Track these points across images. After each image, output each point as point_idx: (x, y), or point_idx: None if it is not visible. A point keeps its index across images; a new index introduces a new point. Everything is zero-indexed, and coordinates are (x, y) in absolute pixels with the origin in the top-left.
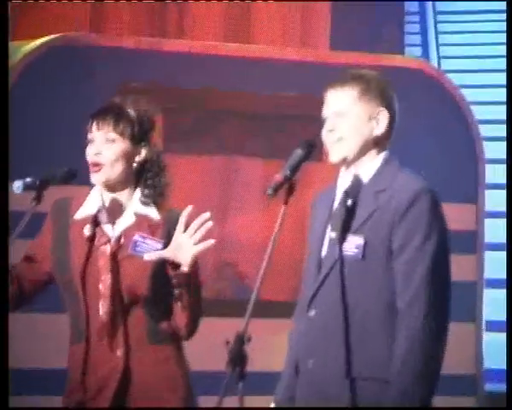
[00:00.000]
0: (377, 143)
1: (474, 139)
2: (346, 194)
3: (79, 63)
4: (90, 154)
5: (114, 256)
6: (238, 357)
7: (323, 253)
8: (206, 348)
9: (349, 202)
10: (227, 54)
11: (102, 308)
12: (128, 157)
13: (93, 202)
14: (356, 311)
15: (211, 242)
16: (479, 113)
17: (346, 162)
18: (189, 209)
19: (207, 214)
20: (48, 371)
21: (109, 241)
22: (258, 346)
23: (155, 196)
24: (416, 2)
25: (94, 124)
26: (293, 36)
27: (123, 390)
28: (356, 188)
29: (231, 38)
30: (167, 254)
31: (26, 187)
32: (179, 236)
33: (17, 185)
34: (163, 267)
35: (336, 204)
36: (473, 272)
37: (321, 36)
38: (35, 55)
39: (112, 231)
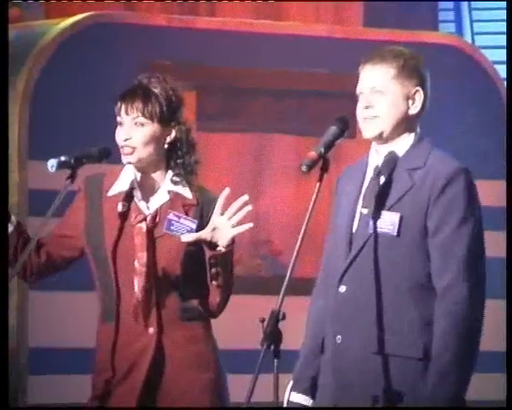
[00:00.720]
0: (411, 121)
1: (507, 115)
2: (379, 170)
3: (112, 41)
4: (120, 138)
5: (150, 234)
6: (273, 334)
7: (354, 229)
8: (241, 325)
9: (382, 178)
10: (259, 31)
11: (138, 286)
12: (158, 139)
13: (126, 178)
14: (388, 288)
15: (249, 225)
16: None
17: (379, 139)
18: (226, 192)
19: (246, 197)
20: (68, 351)
21: (145, 219)
22: (293, 323)
23: (186, 175)
24: None
25: (122, 108)
26: (327, 12)
27: (155, 368)
28: (390, 164)
29: (263, 15)
30: (205, 235)
31: (61, 166)
32: (217, 218)
33: (51, 164)
34: (196, 247)
35: (367, 180)
36: (503, 249)
37: (354, 12)
38: (67, 33)
39: (147, 208)
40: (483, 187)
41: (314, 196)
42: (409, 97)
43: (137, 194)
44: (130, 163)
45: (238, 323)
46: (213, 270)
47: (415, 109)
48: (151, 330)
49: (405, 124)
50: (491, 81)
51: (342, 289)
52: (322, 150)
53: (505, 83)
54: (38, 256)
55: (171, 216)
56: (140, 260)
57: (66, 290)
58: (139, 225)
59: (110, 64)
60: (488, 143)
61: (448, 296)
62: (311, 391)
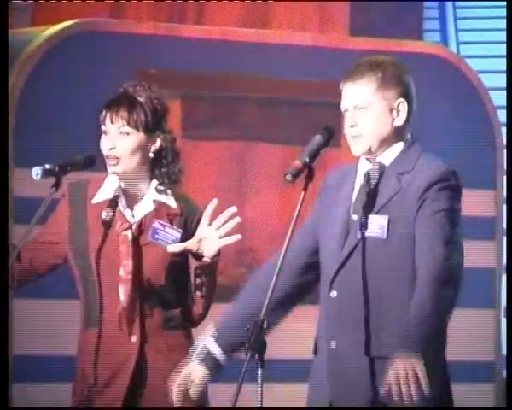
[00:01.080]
0: (398, 132)
1: (493, 125)
2: (368, 176)
3: (98, 49)
4: (105, 147)
5: (136, 242)
6: (257, 344)
7: (345, 236)
8: None
9: (372, 184)
10: (246, 39)
11: (124, 293)
12: (143, 148)
13: (111, 186)
14: (379, 290)
15: (237, 237)
16: (498, 98)
17: (369, 154)
18: (214, 203)
19: (234, 209)
20: (52, 358)
21: (131, 227)
22: (278, 333)
23: (170, 184)
24: None
25: (107, 116)
26: (312, 22)
27: (138, 376)
28: (378, 170)
29: (249, 24)
30: (191, 245)
31: (45, 173)
32: (204, 228)
33: (36, 172)
34: (181, 257)
35: (357, 187)
36: (492, 259)
37: (340, 21)
38: (54, 40)
39: (132, 216)
40: (470, 197)
41: (299, 204)
42: (393, 109)
43: (122, 202)
44: (115, 173)
45: None
46: (198, 280)
47: (400, 121)
48: (134, 338)
49: (393, 135)
50: (476, 91)
51: (333, 294)
52: (307, 159)
53: (490, 92)
54: (20, 263)
55: (155, 225)
56: (125, 268)
57: (51, 298)
58: (124, 232)
59: (96, 72)
60: (474, 153)
61: (424, 276)
62: (229, 353)
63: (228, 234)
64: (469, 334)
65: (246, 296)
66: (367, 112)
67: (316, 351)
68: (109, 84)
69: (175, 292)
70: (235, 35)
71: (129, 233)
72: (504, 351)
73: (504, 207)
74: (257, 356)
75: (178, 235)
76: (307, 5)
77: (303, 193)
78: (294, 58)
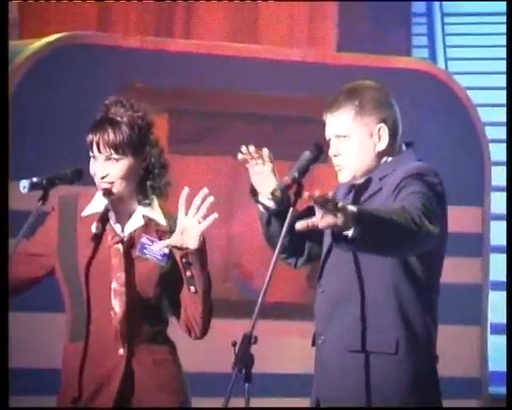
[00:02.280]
0: (381, 156)
1: (481, 142)
2: (358, 190)
3: (85, 62)
4: (97, 176)
5: (128, 255)
6: (245, 358)
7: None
8: (213, 349)
9: (355, 188)
10: (233, 54)
11: (120, 306)
12: (134, 169)
13: (101, 200)
14: (360, 287)
15: (214, 216)
16: (486, 115)
17: (355, 180)
18: (186, 191)
19: (205, 190)
20: (48, 372)
21: (122, 240)
22: (265, 347)
23: (157, 198)
24: (424, 4)
25: (94, 143)
26: (300, 37)
27: (124, 390)
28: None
29: (238, 39)
30: (175, 240)
31: (33, 187)
32: (182, 219)
33: (23, 185)
34: (171, 270)
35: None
36: (478, 275)
37: (328, 37)
38: (41, 53)
39: (122, 231)
40: (457, 214)
41: (287, 220)
42: (373, 134)
43: (112, 217)
44: (110, 196)
45: (209, 346)
46: (188, 273)
47: (382, 145)
48: (121, 351)
49: (376, 160)
50: (464, 108)
51: (321, 290)
52: (296, 175)
53: (478, 109)
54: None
55: (143, 240)
56: (119, 280)
57: (47, 311)
58: (116, 246)
59: (83, 85)
60: (461, 169)
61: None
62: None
63: (205, 216)
64: (455, 350)
65: None
66: (348, 140)
67: (314, 344)
68: (96, 97)
69: (162, 307)
70: (223, 50)
71: (120, 246)
72: (490, 368)
73: (491, 223)
74: (244, 371)
75: (166, 250)
76: (296, 21)
77: (291, 209)
78: (282, 74)
